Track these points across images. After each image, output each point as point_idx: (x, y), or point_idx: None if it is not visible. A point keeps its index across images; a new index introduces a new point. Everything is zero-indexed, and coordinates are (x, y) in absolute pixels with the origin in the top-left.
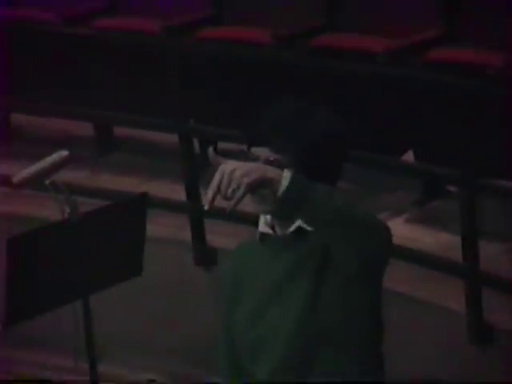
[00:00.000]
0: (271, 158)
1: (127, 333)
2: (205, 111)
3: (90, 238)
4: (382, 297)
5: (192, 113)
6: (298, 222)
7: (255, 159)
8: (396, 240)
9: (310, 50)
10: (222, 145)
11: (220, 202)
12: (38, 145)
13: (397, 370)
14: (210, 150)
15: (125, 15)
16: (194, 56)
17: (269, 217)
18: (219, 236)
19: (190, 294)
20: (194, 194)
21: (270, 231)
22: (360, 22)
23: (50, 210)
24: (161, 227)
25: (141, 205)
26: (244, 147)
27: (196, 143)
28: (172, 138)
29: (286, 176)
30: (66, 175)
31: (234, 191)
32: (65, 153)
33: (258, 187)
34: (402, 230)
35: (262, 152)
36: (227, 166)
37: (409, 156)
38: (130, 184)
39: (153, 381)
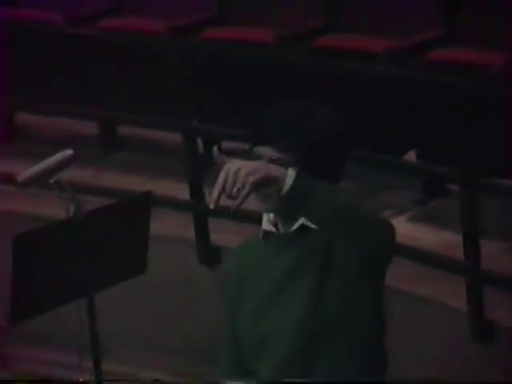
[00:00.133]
0: (274, 157)
1: (131, 331)
2: (208, 111)
3: (94, 237)
4: (384, 295)
5: (195, 112)
6: (302, 220)
7: (258, 158)
8: (398, 238)
9: (312, 50)
10: (226, 144)
11: (224, 201)
12: (42, 144)
13: (398, 368)
14: (215, 149)
15: (129, 16)
16: (197, 56)
17: (272, 215)
18: (223, 234)
19: (194, 292)
20: (197, 193)
21: (274, 229)
22: (361, 22)
23: (55, 209)
24: (165, 225)
25: (145, 203)
26: (247, 146)
27: (200, 142)
28: (175, 137)
29: (291, 174)
30: (70, 174)
31: (239, 190)
32: (69, 152)
33: (263, 186)
34: (403, 229)
35: (265, 151)
36: (232, 165)
37: (410, 156)
38: (134, 183)
39: (157, 381)
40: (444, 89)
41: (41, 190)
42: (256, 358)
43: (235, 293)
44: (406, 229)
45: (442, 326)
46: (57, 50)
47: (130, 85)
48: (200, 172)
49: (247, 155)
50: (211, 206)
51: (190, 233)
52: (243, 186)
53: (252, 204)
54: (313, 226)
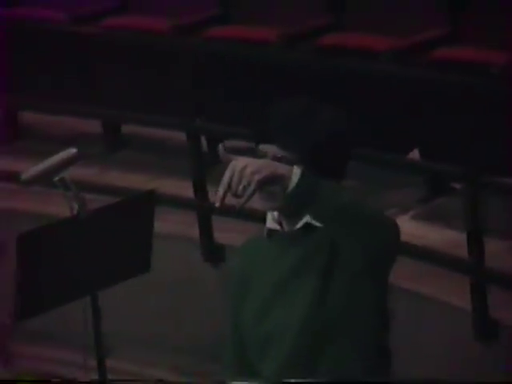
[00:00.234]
0: (279, 155)
1: (135, 329)
2: (211, 109)
3: (98, 235)
4: (388, 293)
5: (199, 111)
6: (306, 218)
7: (263, 156)
8: (402, 237)
9: (316, 48)
10: (230, 142)
11: (228, 199)
12: (46, 142)
13: (401, 366)
14: (220, 147)
15: (133, 14)
16: (201, 55)
17: (276, 213)
18: (227, 232)
19: (198, 290)
20: (201, 191)
21: (278, 227)
22: (364, 21)
23: (59, 207)
24: (169, 224)
25: (149, 202)
26: (252, 144)
27: (203, 141)
28: (180, 136)
29: (296, 172)
30: (74, 172)
31: (244, 188)
32: (73, 150)
33: (268, 184)
34: (407, 227)
35: (270, 149)
36: (238, 163)
37: (414, 154)
38: (138, 181)
39: (161, 381)
40: (446, 87)
41: (45, 188)
42: (260, 357)
43: (239, 291)
44: (409, 227)
45: (445, 325)
46: (61, 48)
47: (134, 83)
48: (204, 171)
49: (252, 153)
50: (217, 205)
51: (194, 231)
52: (249, 184)
53: (255, 203)
54: (317, 224)
